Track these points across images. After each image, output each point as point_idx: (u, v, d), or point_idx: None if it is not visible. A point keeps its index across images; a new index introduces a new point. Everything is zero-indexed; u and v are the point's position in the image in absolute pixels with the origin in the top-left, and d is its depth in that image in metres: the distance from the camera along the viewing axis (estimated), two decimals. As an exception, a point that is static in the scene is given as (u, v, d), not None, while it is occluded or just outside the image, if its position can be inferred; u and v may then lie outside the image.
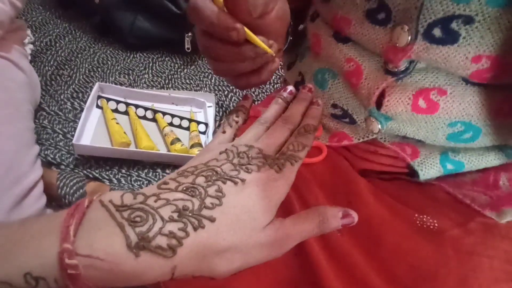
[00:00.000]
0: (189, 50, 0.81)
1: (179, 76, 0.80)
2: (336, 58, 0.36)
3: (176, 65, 0.82)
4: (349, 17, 0.31)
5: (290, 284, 0.32)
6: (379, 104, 0.32)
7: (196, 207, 0.20)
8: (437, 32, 0.25)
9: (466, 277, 0.29)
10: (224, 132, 0.29)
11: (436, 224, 0.32)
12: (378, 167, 0.39)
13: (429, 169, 0.35)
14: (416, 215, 0.33)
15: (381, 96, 0.32)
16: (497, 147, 0.35)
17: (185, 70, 0.81)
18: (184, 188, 0.21)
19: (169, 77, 0.79)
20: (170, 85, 0.77)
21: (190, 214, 0.20)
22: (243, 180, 0.22)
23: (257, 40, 0.26)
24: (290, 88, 0.30)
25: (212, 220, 0.20)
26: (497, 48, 0.24)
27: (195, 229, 0.19)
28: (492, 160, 0.35)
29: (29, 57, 0.70)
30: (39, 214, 0.47)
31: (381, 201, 0.35)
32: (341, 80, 0.35)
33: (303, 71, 0.42)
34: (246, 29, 0.25)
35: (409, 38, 0.26)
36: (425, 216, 0.33)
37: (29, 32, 0.74)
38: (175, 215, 0.19)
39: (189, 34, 0.80)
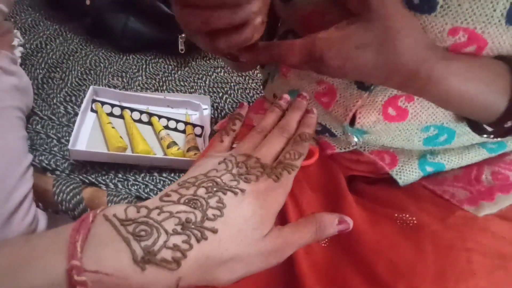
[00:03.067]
0: (182, 52, 0.80)
1: (173, 78, 0.79)
2: (306, 82, 0.36)
3: (170, 66, 0.82)
4: (313, 11, 0.28)
5: (268, 282, 0.32)
6: (352, 119, 0.33)
7: (199, 219, 0.21)
8: None
9: (444, 271, 0.29)
10: (221, 141, 0.30)
11: (415, 221, 0.33)
12: (361, 173, 0.40)
13: (408, 175, 0.36)
14: (396, 214, 0.34)
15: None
16: (477, 144, 0.36)
17: (179, 72, 0.81)
18: (186, 200, 0.22)
19: (163, 79, 0.78)
20: (164, 87, 0.77)
21: (193, 227, 0.20)
22: (242, 191, 0.23)
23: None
24: (286, 96, 0.31)
25: (214, 231, 0.21)
26: (475, 19, 0.23)
27: (198, 241, 0.20)
28: (473, 157, 0.36)
29: (19, 60, 0.69)
30: (29, 227, 0.46)
31: (363, 206, 0.36)
32: (313, 101, 0.36)
33: (276, 92, 0.42)
34: None
35: None
36: (404, 214, 0.34)
37: (18, 34, 0.73)
38: (178, 228, 0.20)
39: (182, 35, 0.79)
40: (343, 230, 0.26)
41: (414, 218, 0.33)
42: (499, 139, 0.30)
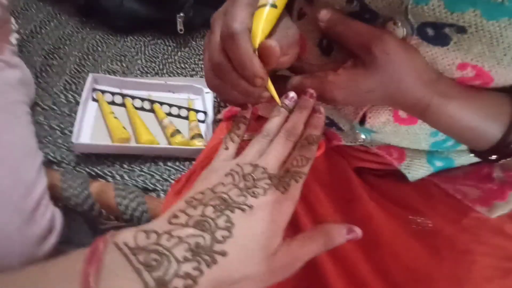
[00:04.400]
0: (182, 32, 0.77)
1: (173, 60, 0.77)
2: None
3: (170, 48, 0.79)
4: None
5: (291, 283, 0.33)
6: (362, 118, 0.33)
7: (208, 242, 0.21)
8: (429, 31, 0.24)
9: (460, 277, 0.30)
10: (227, 148, 0.29)
11: (430, 225, 0.33)
12: (370, 165, 0.40)
13: (417, 170, 0.36)
14: (410, 216, 0.34)
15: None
16: None
17: (179, 53, 0.79)
18: (195, 223, 0.22)
19: (163, 61, 0.76)
20: (164, 71, 0.75)
21: (202, 252, 0.20)
22: (250, 207, 0.23)
23: (274, 92, 0.27)
24: (292, 94, 0.30)
25: (224, 254, 0.21)
26: (485, 59, 0.24)
27: (208, 266, 0.20)
28: None
29: (16, 48, 0.67)
30: (50, 223, 0.47)
31: (377, 201, 0.36)
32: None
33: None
34: (269, 80, 0.26)
35: (405, 32, 0.25)
36: (419, 217, 0.34)
37: (12, 20, 0.70)
38: (188, 255, 0.20)
39: (181, 14, 0.76)
40: (351, 240, 0.26)
41: (429, 222, 0.33)
42: None
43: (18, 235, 0.43)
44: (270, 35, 0.26)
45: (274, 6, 0.26)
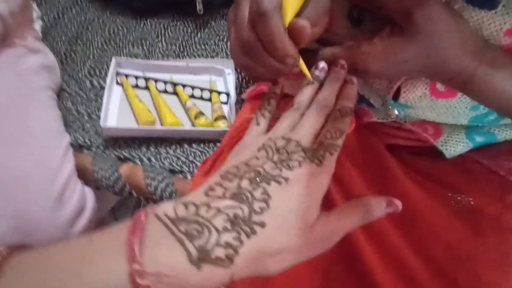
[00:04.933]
0: (201, 13, 0.76)
1: (193, 42, 0.76)
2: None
3: (189, 29, 0.78)
4: None
5: (327, 261, 0.33)
6: (396, 92, 0.31)
7: (246, 214, 0.21)
8: None
9: (506, 256, 0.29)
10: (258, 124, 0.29)
11: (472, 202, 0.32)
12: (403, 142, 0.38)
13: (455, 146, 0.34)
14: (450, 194, 0.33)
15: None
16: None
17: (199, 35, 0.78)
18: (232, 195, 0.22)
19: (183, 43, 0.76)
20: (185, 53, 0.74)
21: (241, 222, 0.20)
22: (286, 179, 0.23)
23: (306, 69, 0.26)
24: (322, 64, 0.28)
25: (262, 225, 0.21)
26: None
27: (248, 236, 0.20)
28: None
29: (41, 35, 0.68)
30: (79, 204, 0.49)
31: (413, 179, 0.35)
32: None
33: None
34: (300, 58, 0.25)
35: None
36: (459, 195, 0.32)
37: (35, 6, 0.71)
38: (228, 225, 0.20)
39: (200, -6, 0.74)
40: (391, 213, 0.25)
41: (470, 199, 0.31)
42: None
43: (47, 219, 0.45)
44: (302, 8, 0.25)
45: None
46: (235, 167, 0.24)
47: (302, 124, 0.26)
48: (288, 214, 0.21)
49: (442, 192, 0.33)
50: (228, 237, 0.20)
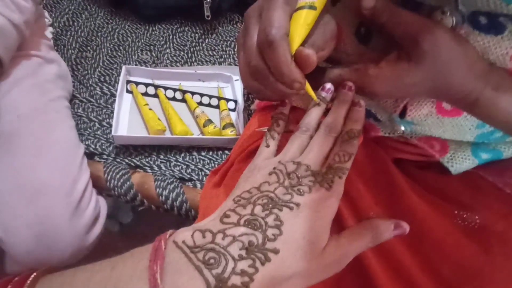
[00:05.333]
0: (209, 18, 0.77)
1: (201, 47, 0.77)
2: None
3: (197, 35, 0.79)
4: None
5: (337, 276, 0.34)
6: (402, 110, 0.31)
7: (260, 241, 0.22)
8: (482, 19, 0.23)
9: None
10: (267, 146, 0.29)
11: (478, 221, 0.32)
12: (410, 156, 0.38)
13: (461, 163, 0.34)
14: (456, 211, 0.33)
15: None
16: None
17: (207, 40, 0.78)
18: (246, 222, 0.23)
19: (191, 49, 0.76)
20: (193, 59, 0.75)
21: (256, 250, 0.21)
22: (297, 205, 0.23)
23: (312, 92, 0.27)
24: (329, 86, 0.29)
25: (276, 252, 0.22)
26: None
27: (262, 263, 0.21)
28: None
29: (52, 42, 0.69)
30: (94, 212, 0.50)
31: (419, 194, 0.35)
32: None
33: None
34: (306, 82, 0.26)
35: (454, 21, 0.24)
36: (465, 212, 0.33)
37: (46, 13, 0.72)
38: (243, 253, 0.21)
39: (208, 0, 0.75)
40: (399, 235, 0.26)
41: (477, 217, 0.32)
42: None
43: (68, 226, 0.46)
44: (309, 34, 0.25)
45: (313, 7, 0.25)
46: (248, 192, 0.25)
47: (311, 147, 0.27)
48: (300, 240, 0.22)
49: (449, 208, 0.34)
50: (243, 265, 0.20)
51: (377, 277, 0.31)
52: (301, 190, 0.24)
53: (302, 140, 0.27)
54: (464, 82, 0.24)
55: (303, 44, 0.25)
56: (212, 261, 0.20)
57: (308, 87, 0.27)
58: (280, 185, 0.25)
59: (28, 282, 0.20)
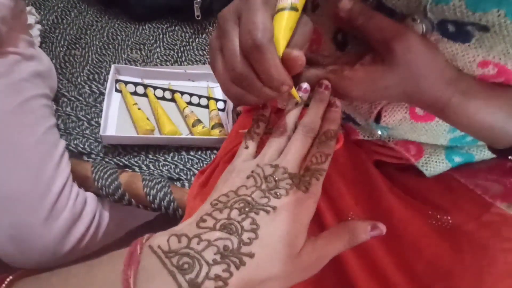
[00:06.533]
0: (199, 18, 0.77)
1: (191, 47, 0.77)
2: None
3: (187, 34, 0.79)
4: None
5: (318, 274, 0.35)
6: (377, 115, 0.32)
7: (235, 245, 0.22)
8: (450, 27, 0.24)
9: (481, 272, 0.31)
10: (246, 147, 0.29)
11: (450, 221, 0.33)
12: (389, 159, 0.40)
13: (435, 167, 0.36)
14: (430, 212, 0.34)
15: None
16: None
17: (197, 40, 0.79)
18: (222, 226, 0.23)
19: (181, 49, 0.77)
20: (183, 58, 0.75)
21: (231, 254, 0.21)
22: (274, 208, 0.24)
23: (296, 94, 0.27)
24: (305, 85, 0.28)
25: (251, 256, 0.22)
26: (508, 57, 0.23)
27: (237, 268, 0.21)
28: None
29: (39, 39, 0.68)
30: (73, 209, 0.50)
31: (397, 196, 0.36)
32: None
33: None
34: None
35: (424, 28, 0.24)
36: (439, 213, 0.34)
37: (33, 10, 0.71)
38: (218, 257, 0.21)
39: (198, 0, 0.75)
40: (376, 236, 0.26)
41: (449, 217, 0.33)
42: None
43: (41, 228, 0.46)
44: (290, 38, 0.25)
45: (294, 9, 0.25)
46: (225, 196, 0.25)
47: (289, 149, 0.27)
48: (276, 243, 0.22)
49: (424, 209, 0.35)
50: (217, 269, 0.20)
51: (355, 276, 0.33)
52: (278, 193, 0.24)
53: (279, 142, 0.28)
54: (434, 88, 0.25)
55: (287, 46, 0.25)
56: (186, 266, 0.20)
57: (293, 89, 0.27)
58: (257, 188, 0.25)
59: (3, 286, 0.20)
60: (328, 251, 0.24)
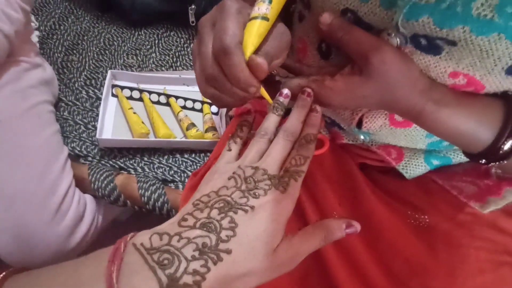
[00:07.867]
0: (193, 24, 0.79)
1: (186, 52, 0.79)
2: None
3: (182, 39, 0.81)
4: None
5: (303, 271, 0.37)
6: (359, 121, 0.34)
7: (214, 242, 0.23)
8: (422, 40, 0.26)
9: (454, 269, 0.33)
10: (229, 150, 0.30)
11: (427, 220, 0.35)
12: (372, 162, 0.41)
13: (414, 169, 0.38)
14: (409, 212, 0.36)
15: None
16: None
17: (192, 45, 0.80)
18: (201, 225, 0.24)
19: (177, 54, 0.78)
20: (178, 64, 0.77)
21: (209, 251, 0.23)
22: (252, 207, 0.25)
23: (267, 95, 0.28)
24: (286, 91, 0.30)
25: (228, 252, 0.23)
26: (476, 69, 0.25)
27: (214, 263, 0.22)
28: None
29: (38, 45, 0.70)
30: (77, 210, 0.52)
31: (379, 197, 0.38)
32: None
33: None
34: (261, 86, 0.27)
35: (398, 41, 0.26)
36: (417, 213, 0.36)
37: (32, 17, 0.73)
38: (196, 254, 0.22)
39: (192, 6, 0.77)
40: (351, 233, 0.27)
41: (426, 217, 0.35)
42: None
43: (46, 230, 0.48)
44: (262, 43, 0.27)
45: (265, 18, 0.26)
46: (207, 196, 0.26)
47: (270, 152, 0.28)
48: (253, 240, 0.23)
49: (403, 210, 0.37)
50: (196, 265, 0.22)
51: (337, 273, 0.34)
52: (257, 194, 0.25)
53: (261, 145, 0.29)
54: (409, 97, 0.26)
55: (256, 52, 0.26)
56: (166, 261, 0.21)
57: (263, 91, 0.28)
58: (237, 189, 0.26)
59: None
60: (303, 248, 0.26)
